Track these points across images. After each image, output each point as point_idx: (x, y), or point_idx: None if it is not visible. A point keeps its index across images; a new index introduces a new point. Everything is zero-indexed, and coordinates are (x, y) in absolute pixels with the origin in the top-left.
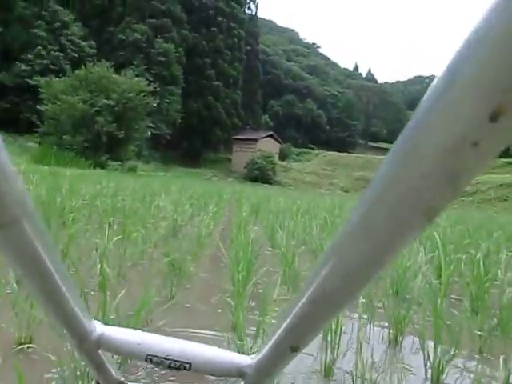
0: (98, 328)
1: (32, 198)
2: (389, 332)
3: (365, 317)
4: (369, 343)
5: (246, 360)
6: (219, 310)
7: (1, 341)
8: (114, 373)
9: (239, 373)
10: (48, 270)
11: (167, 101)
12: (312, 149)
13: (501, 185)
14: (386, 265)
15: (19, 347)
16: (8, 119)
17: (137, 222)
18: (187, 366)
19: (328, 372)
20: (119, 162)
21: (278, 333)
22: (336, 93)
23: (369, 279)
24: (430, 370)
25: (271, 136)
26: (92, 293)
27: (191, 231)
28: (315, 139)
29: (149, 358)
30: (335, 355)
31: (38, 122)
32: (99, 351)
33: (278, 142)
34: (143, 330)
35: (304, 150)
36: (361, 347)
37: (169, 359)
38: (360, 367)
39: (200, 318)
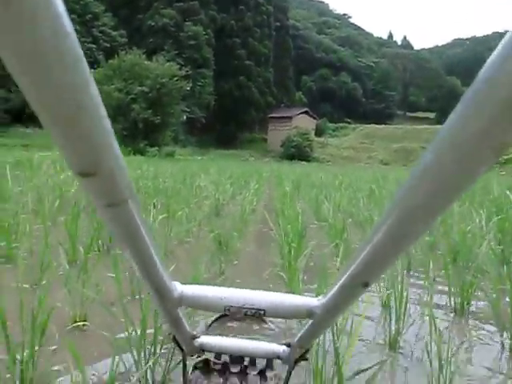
0: (179, 287)
1: None
2: (455, 301)
3: (428, 285)
4: (434, 312)
5: (313, 301)
6: (271, 285)
7: (56, 319)
8: (188, 328)
9: (308, 313)
10: (144, 241)
11: (200, 84)
12: (348, 123)
13: None
14: (454, 201)
15: (74, 325)
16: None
17: (180, 202)
18: (262, 312)
19: (393, 344)
20: (157, 148)
21: (351, 269)
22: (371, 63)
23: (437, 215)
24: (507, 341)
25: (306, 112)
26: None
27: (234, 209)
28: (351, 113)
29: (227, 309)
30: (400, 326)
31: None
32: (178, 309)
33: (314, 118)
34: (217, 286)
35: (340, 124)
36: (427, 318)
37: (245, 308)
38: (429, 339)
39: None
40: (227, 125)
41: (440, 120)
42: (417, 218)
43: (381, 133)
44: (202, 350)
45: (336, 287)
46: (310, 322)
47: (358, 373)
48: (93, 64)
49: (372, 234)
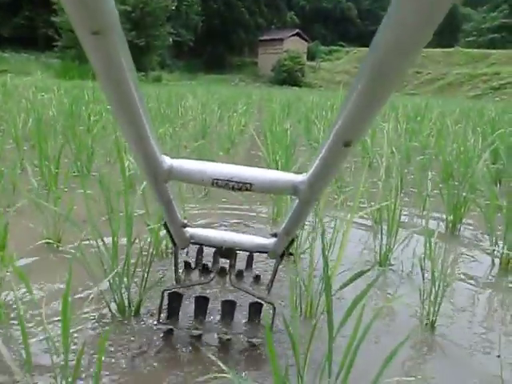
0: (168, 161)
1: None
2: (447, 218)
3: (421, 202)
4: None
5: (299, 177)
6: (258, 203)
7: (31, 239)
8: (178, 215)
9: (294, 189)
10: (130, 89)
11: (186, 3)
12: (342, 46)
13: None
14: (422, 41)
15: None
16: (26, 37)
17: (164, 123)
18: (248, 186)
19: (384, 261)
20: (143, 73)
21: (333, 131)
22: None
23: (409, 56)
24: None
25: (298, 34)
26: None
27: (222, 131)
28: (345, 35)
29: (215, 182)
30: (391, 242)
31: (56, 36)
32: (168, 186)
33: (306, 40)
34: (206, 160)
35: (333, 47)
36: (418, 236)
37: (232, 181)
38: (418, 255)
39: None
40: (216, 48)
41: (436, 42)
42: (392, 63)
43: None
44: (192, 242)
45: (319, 157)
46: (296, 202)
47: (345, 285)
48: None
49: (351, 89)
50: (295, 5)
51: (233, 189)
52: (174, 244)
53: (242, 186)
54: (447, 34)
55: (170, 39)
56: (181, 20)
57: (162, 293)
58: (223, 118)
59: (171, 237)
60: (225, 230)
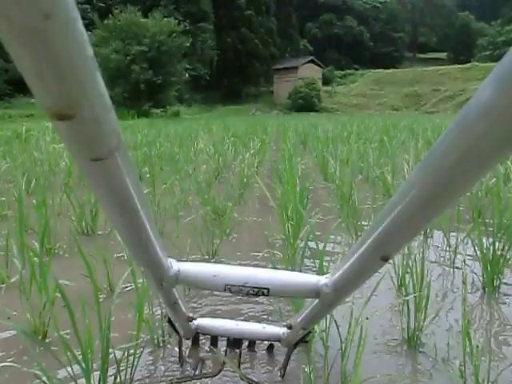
0: (175, 265)
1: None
2: (483, 275)
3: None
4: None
5: (321, 279)
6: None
7: None
8: (184, 309)
9: (316, 292)
10: (136, 207)
11: (200, 39)
12: (356, 69)
13: None
14: (481, 174)
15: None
16: None
17: (174, 170)
18: (265, 291)
19: (413, 340)
20: (162, 109)
21: (367, 242)
22: (377, 4)
23: (468, 184)
24: None
25: (312, 61)
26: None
27: (233, 175)
28: (359, 58)
29: (228, 288)
30: (421, 318)
31: None
32: (174, 289)
33: (320, 66)
34: (217, 263)
35: (348, 71)
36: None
37: (247, 286)
38: (454, 331)
39: None
40: (232, 80)
41: (452, 60)
42: (443, 188)
43: (390, 77)
44: (198, 332)
45: (349, 262)
46: (316, 301)
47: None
48: (88, 26)
49: (392, 203)
50: (307, 32)
51: (247, 294)
52: (177, 333)
53: (259, 291)
54: (463, 50)
55: (187, 74)
56: (196, 55)
57: None
58: (237, 156)
59: (175, 329)
60: (234, 319)
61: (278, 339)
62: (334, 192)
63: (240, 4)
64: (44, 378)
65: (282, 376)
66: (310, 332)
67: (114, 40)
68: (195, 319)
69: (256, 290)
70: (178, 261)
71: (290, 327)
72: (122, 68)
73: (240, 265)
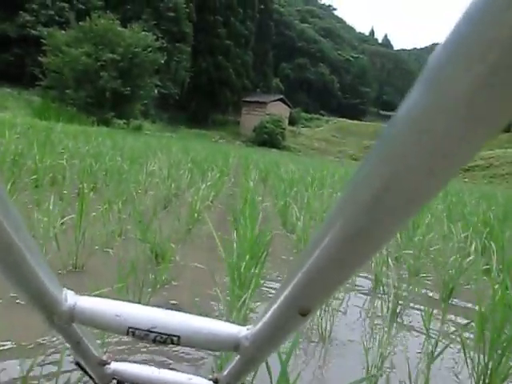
0: (71, 298)
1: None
2: None
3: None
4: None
5: (242, 331)
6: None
7: None
8: (94, 351)
9: (234, 345)
10: (9, 236)
11: (176, 59)
12: (322, 115)
13: None
14: (408, 220)
15: None
16: (13, 72)
17: (116, 190)
18: (175, 338)
19: None
20: (125, 120)
21: (285, 293)
22: (350, 58)
23: (395, 227)
24: None
25: (281, 100)
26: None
27: (183, 208)
28: (326, 105)
29: (131, 332)
30: None
31: (41, 76)
32: (74, 325)
33: (288, 106)
34: (123, 300)
35: (314, 115)
36: None
37: (154, 332)
38: None
39: None
40: (201, 104)
41: None
42: (370, 226)
43: (353, 128)
44: (114, 378)
45: (268, 315)
46: (238, 356)
47: None
48: (63, 24)
49: (311, 247)
50: (281, 72)
51: (154, 341)
52: (93, 380)
53: (167, 339)
54: None
55: (156, 91)
56: (169, 74)
57: None
58: (192, 185)
59: (88, 374)
60: (157, 366)
61: None
62: (295, 244)
63: (221, 33)
64: None
65: None
66: None
67: (87, 43)
68: (109, 363)
69: (164, 336)
70: (77, 294)
71: (216, 381)
72: (91, 72)
73: (152, 306)
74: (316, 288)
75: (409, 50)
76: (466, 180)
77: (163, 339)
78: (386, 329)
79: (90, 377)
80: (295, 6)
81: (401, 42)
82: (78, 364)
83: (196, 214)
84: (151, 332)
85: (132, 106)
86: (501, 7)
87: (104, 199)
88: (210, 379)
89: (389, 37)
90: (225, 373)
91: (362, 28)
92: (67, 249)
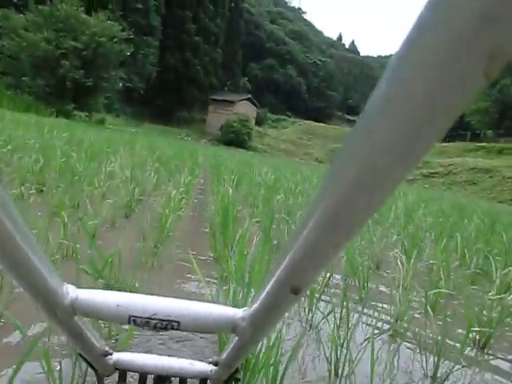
0: (72, 292)
1: None
2: None
3: None
4: None
5: (238, 312)
6: None
7: None
8: (96, 343)
9: (232, 327)
10: (10, 233)
11: (143, 52)
12: (289, 116)
13: (473, 168)
14: (394, 185)
15: None
16: None
17: (65, 195)
18: (175, 324)
19: None
20: (86, 113)
21: (277, 273)
22: (318, 61)
23: (375, 206)
24: None
25: (249, 99)
26: None
27: (151, 211)
28: (293, 107)
29: (132, 320)
30: None
31: None
32: (75, 318)
33: (256, 106)
34: (122, 291)
35: (281, 116)
36: None
37: (154, 319)
38: None
39: None
40: (167, 100)
41: None
42: (351, 205)
43: (319, 130)
44: (117, 369)
45: (262, 295)
46: (235, 339)
47: None
48: (20, 7)
49: (300, 227)
50: (249, 72)
51: (155, 328)
52: (95, 370)
53: (168, 325)
54: None
55: (120, 84)
56: (135, 67)
57: None
58: (159, 188)
59: (90, 364)
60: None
61: (207, 377)
62: None
63: (190, 28)
64: None
65: None
66: (238, 369)
67: (47, 28)
68: (111, 354)
69: (165, 323)
70: (78, 287)
71: (216, 364)
72: (51, 60)
73: (149, 294)
74: (305, 267)
75: (374, 58)
76: (427, 186)
77: (164, 325)
78: None
79: (94, 368)
80: (265, 7)
81: (367, 48)
82: (81, 355)
83: (166, 231)
84: (152, 319)
85: (95, 99)
86: (444, 18)
87: (49, 206)
88: (209, 362)
89: (356, 43)
90: (224, 355)
91: (330, 33)
92: None
